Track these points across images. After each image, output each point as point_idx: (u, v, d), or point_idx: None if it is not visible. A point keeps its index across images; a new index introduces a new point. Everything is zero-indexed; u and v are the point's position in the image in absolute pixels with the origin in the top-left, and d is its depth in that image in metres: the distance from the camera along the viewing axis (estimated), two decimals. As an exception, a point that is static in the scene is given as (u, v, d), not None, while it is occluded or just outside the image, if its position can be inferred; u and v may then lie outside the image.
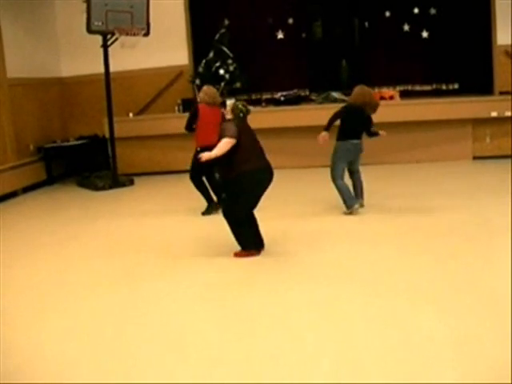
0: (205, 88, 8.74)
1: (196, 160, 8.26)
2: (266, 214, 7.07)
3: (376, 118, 11.32)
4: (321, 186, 8.89)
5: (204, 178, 8.58)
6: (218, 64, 12.02)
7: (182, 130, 8.72)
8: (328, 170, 8.10)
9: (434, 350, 4.15)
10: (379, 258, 6.26)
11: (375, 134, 8.37)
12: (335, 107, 11.22)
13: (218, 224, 7.07)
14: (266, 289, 5.62)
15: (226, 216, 6.47)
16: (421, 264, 6.00)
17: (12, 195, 11.03)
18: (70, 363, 4.39)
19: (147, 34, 11.23)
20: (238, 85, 12.13)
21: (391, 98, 11.57)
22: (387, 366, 3.99)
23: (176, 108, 12.18)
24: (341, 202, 8.06)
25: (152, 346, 4.55)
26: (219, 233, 7.08)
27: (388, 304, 5.03)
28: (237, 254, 6.51)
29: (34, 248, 7.62)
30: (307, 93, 12.27)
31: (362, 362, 4.08)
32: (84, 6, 10.61)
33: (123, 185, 11.24)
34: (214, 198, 8.61)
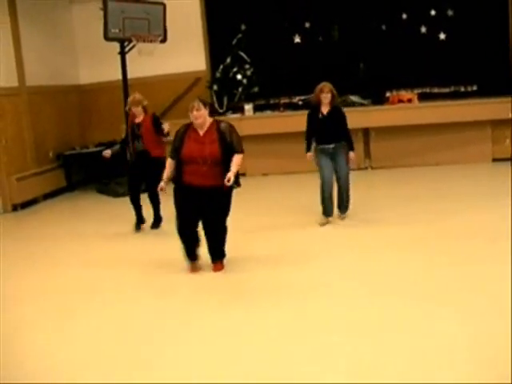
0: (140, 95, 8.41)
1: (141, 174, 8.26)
2: (280, 220, 7.08)
3: (395, 120, 11.35)
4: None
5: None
6: (235, 69, 12.07)
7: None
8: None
9: (448, 353, 4.14)
10: (395, 261, 6.24)
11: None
12: (353, 111, 11.30)
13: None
14: (271, 299, 5.61)
15: (219, 225, 6.21)
16: (437, 266, 5.97)
17: (33, 202, 11.12)
18: (78, 367, 4.44)
19: (164, 40, 11.30)
20: (255, 89, 12.16)
21: (409, 100, 11.52)
22: (401, 369, 3.99)
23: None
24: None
25: (151, 352, 4.57)
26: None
27: (403, 307, 5.02)
28: (219, 268, 6.33)
29: (54, 254, 7.66)
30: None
31: (376, 365, 4.08)
32: (101, 13, 10.68)
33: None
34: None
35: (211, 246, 6.32)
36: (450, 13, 11.99)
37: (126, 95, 11.07)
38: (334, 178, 7.85)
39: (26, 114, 11.46)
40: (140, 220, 8.49)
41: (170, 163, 6.25)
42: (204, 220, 6.19)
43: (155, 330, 5.04)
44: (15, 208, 10.71)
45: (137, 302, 5.71)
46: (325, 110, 7.77)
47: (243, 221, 7.79)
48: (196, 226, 6.25)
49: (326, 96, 7.69)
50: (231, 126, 6.15)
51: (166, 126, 8.16)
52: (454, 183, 9.89)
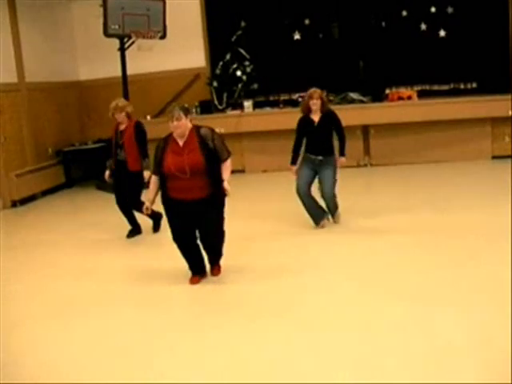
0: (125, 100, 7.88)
1: (133, 185, 7.66)
2: (278, 222, 7.04)
3: (394, 118, 11.33)
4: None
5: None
6: (235, 66, 12.06)
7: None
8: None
9: (447, 353, 4.15)
10: (395, 262, 6.22)
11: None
12: (353, 108, 11.31)
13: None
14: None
15: (217, 232, 5.88)
16: (437, 266, 5.95)
17: (31, 198, 11.11)
18: (78, 367, 4.45)
19: (164, 36, 11.30)
20: (255, 86, 12.16)
21: (409, 97, 11.52)
22: (401, 369, 4.00)
23: (194, 110, 12.21)
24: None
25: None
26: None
27: (403, 308, 5.02)
28: (217, 272, 6.13)
29: (53, 251, 7.67)
30: (324, 93, 12.21)
31: (376, 365, 4.09)
32: (101, 9, 10.68)
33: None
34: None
35: (209, 254, 6.11)
36: (449, 10, 11.97)
37: (126, 91, 11.09)
38: (314, 187, 7.54)
39: (26, 111, 11.46)
40: (135, 228, 8.06)
41: (153, 181, 5.86)
42: (199, 232, 5.85)
43: (154, 338, 5.01)
44: (14, 204, 10.71)
45: (133, 309, 5.71)
46: (316, 117, 7.42)
47: (241, 223, 7.74)
48: (193, 238, 5.88)
49: (315, 103, 7.32)
50: (213, 131, 5.74)
51: (148, 176, 7.29)
52: (454, 181, 9.88)
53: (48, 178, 11.69)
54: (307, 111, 7.44)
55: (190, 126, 5.69)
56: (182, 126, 5.56)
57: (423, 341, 4.37)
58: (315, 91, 7.40)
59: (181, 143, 5.63)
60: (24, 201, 10.89)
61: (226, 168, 5.75)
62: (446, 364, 4.00)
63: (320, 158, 7.38)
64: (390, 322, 4.75)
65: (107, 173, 7.98)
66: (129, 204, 7.84)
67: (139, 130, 7.77)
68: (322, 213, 7.63)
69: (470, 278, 5.55)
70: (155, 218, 7.86)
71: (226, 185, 5.66)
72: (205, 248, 6.04)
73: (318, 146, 7.40)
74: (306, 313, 5.10)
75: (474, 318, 4.68)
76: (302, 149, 7.61)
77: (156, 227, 8.07)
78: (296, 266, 6.34)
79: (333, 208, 7.67)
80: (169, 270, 6.38)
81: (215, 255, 6.12)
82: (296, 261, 6.51)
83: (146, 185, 7.07)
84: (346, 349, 4.36)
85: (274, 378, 4.03)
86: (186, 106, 5.85)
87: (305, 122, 7.47)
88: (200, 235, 5.88)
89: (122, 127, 7.77)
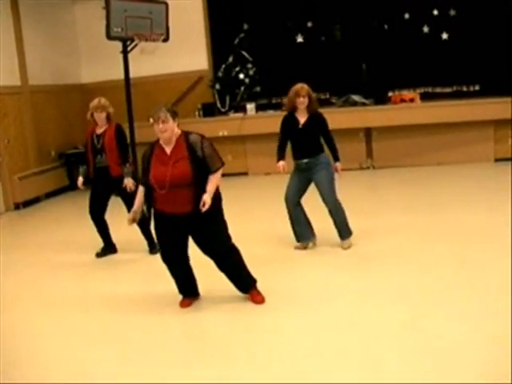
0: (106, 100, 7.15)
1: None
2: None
3: (397, 120, 11.32)
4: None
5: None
6: (237, 68, 12.09)
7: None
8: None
9: (448, 354, 4.15)
10: (396, 260, 6.24)
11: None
12: (355, 110, 11.32)
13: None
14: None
15: (224, 249, 5.27)
16: (438, 266, 5.96)
17: (35, 201, 11.13)
18: (78, 367, 4.44)
19: (166, 39, 11.30)
20: (257, 89, 12.17)
21: (412, 100, 11.51)
22: (402, 369, 4.00)
23: (196, 113, 12.24)
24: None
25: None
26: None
27: (405, 309, 5.01)
28: (258, 299, 5.40)
29: (56, 254, 7.68)
30: (327, 96, 12.23)
31: (381, 365, 4.09)
32: (103, 12, 10.69)
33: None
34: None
35: (230, 276, 5.43)
36: (452, 12, 11.98)
37: (129, 94, 11.08)
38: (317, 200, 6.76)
39: (29, 113, 11.49)
40: (108, 246, 7.41)
41: (141, 191, 5.31)
42: (205, 250, 5.29)
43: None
44: (17, 206, 10.74)
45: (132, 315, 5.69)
46: (302, 118, 6.58)
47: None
48: (183, 258, 5.34)
49: (302, 101, 6.49)
50: (202, 138, 5.12)
51: (129, 183, 7.00)
52: (456, 183, 9.87)
53: (51, 181, 11.72)
54: (293, 109, 6.64)
55: (178, 131, 5.15)
56: (168, 129, 5.02)
57: (423, 341, 4.37)
58: (302, 88, 6.52)
59: (168, 151, 5.10)
60: (27, 203, 10.91)
61: (213, 180, 5.08)
62: (446, 364, 4.00)
63: (305, 161, 6.59)
64: (391, 323, 4.75)
65: (80, 180, 7.33)
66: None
67: (121, 134, 7.12)
68: (308, 233, 6.86)
69: (470, 279, 5.55)
70: (148, 239, 7.25)
71: (206, 197, 4.95)
72: (222, 271, 5.41)
73: (301, 149, 6.60)
74: (307, 313, 5.10)
75: (474, 318, 4.68)
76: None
77: (151, 251, 7.25)
78: (296, 275, 6.33)
79: (340, 222, 6.75)
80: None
81: (239, 277, 5.45)
82: (293, 272, 6.47)
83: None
84: (347, 349, 4.37)
85: (275, 378, 4.04)
86: (174, 108, 5.28)
87: (289, 121, 6.65)
88: (209, 255, 5.32)
89: (100, 131, 7.09)
